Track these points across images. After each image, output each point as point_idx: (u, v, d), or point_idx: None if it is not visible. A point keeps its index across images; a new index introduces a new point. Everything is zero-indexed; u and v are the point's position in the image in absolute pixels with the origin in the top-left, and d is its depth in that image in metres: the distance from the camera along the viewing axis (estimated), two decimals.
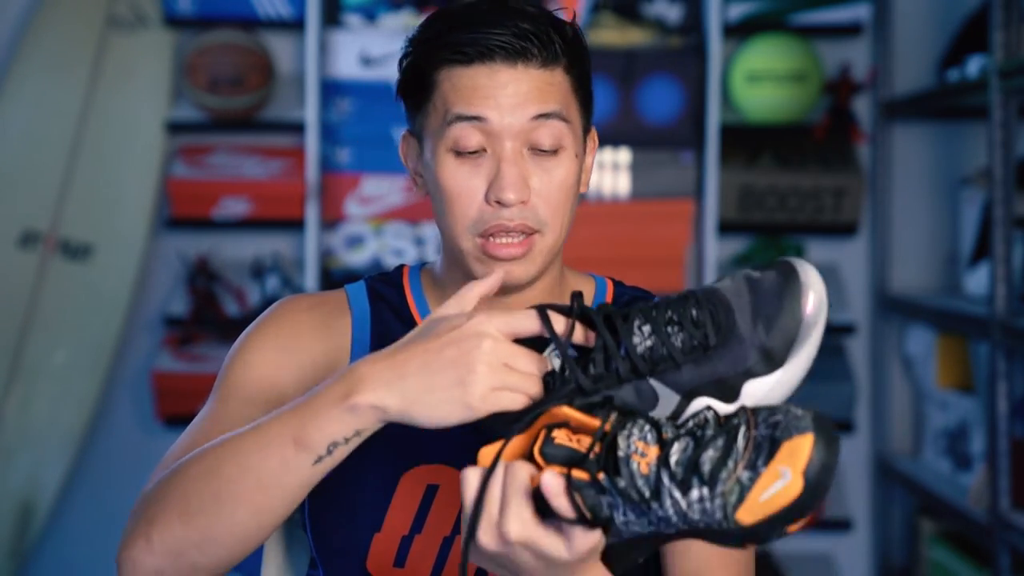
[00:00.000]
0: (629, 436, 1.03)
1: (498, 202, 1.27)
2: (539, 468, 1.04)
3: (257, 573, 1.46)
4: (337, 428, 1.10)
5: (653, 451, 1.02)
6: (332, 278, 3.35)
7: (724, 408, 1.09)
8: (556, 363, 1.10)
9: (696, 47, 3.35)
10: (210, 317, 3.38)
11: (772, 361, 1.08)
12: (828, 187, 3.41)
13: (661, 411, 1.09)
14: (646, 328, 1.09)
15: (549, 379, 1.10)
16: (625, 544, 1.06)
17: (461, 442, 1.26)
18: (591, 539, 1.03)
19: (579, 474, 1.02)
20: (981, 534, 2.83)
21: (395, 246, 3.37)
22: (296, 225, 3.37)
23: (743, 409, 1.04)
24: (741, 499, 0.99)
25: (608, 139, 3.34)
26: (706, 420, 1.04)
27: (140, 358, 3.53)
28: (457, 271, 1.37)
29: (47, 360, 3.36)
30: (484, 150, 1.28)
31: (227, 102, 3.36)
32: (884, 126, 3.50)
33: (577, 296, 1.11)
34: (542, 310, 1.11)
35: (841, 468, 3.55)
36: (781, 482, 0.99)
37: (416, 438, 1.28)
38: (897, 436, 3.56)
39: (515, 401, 1.07)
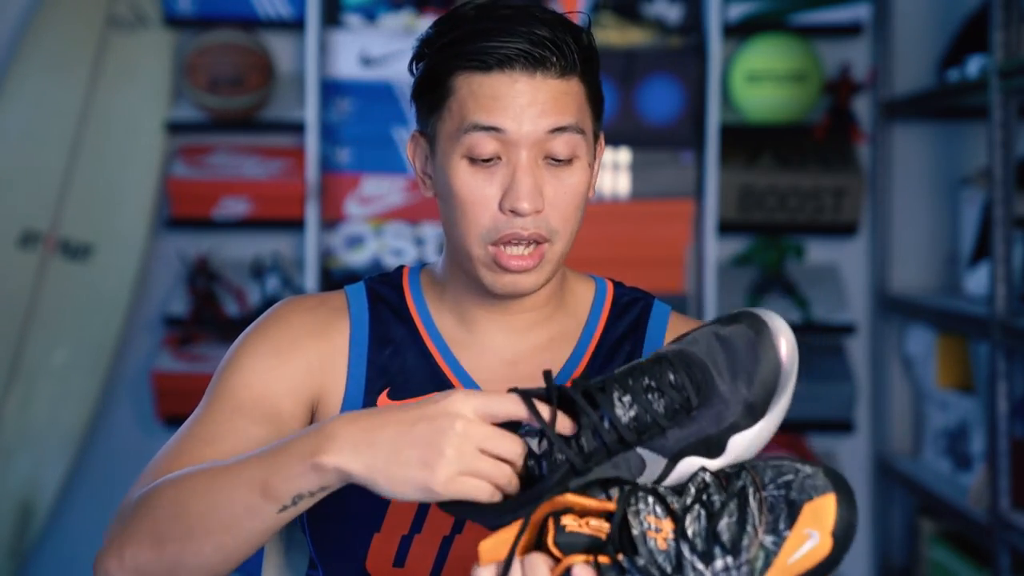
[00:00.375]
0: (639, 513, 1.02)
1: (512, 211, 1.27)
2: (552, 558, 1.02)
3: (257, 573, 1.46)
4: (303, 483, 1.10)
5: (667, 525, 1.02)
6: (332, 278, 3.35)
7: (711, 464, 1.09)
8: (532, 442, 1.09)
9: (696, 47, 3.35)
10: (210, 317, 3.38)
11: (755, 413, 1.09)
12: (828, 187, 3.41)
13: (648, 476, 1.09)
14: (626, 399, 1.08)
15: (530, 461, 1.08)
16: None
17: None
18: None
19: (600, 559, 1.01)
20: (981, 534, 2.83)
21: (395, 246, 3.37)
22: (296, 225, 3.37)
23: (744, 469, 1.05)
24: (768, 564, 1.01)
25: (608, 139, 3.31)
26: (706, 483, 1.04)
27: (140, 358, 3.53)
28: (460, 274, 1.36)
29: (47, 360, 3.36)
30: (499, 158, 1.28)
31: (227, 102, 3.36)
32: (884, 126, 3.50)
33: (548, 375, 1.10)
34: (526, 397, 1.08)
35: (841, 468, 3.55)
36: (810, 543, 1.01)
37: None
38: (897, 436, 3.56)
39: (479, 490, 1.06)
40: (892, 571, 3.52)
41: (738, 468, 1.05)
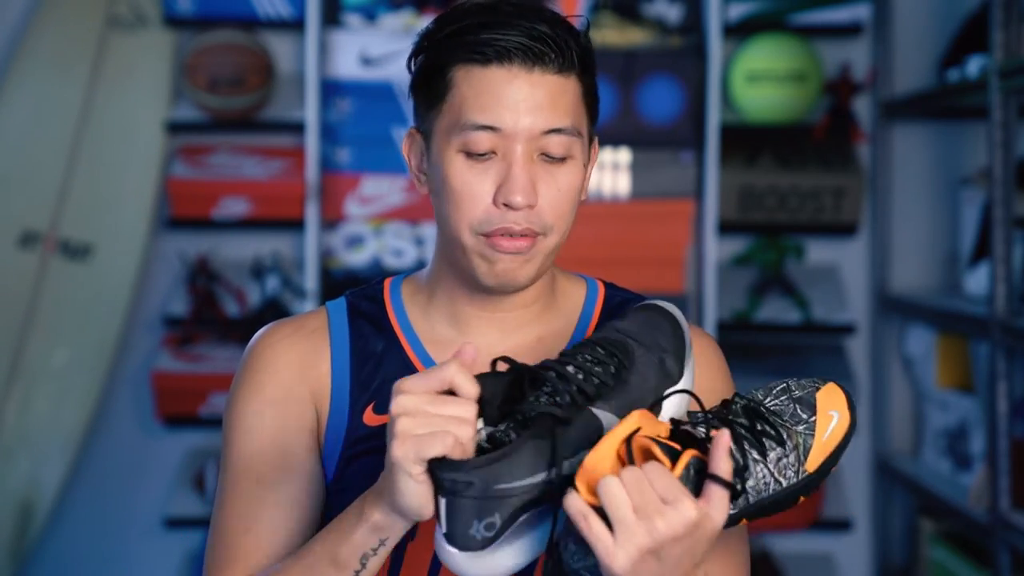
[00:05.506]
0: (695, 426, 1.14)
1: (506, 204, 1.27)
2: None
3: None
4: (362, 542, 1.19)
5: (721, 432, 1.11)
6: (332, 278, 3.35)
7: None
8: (483, 435, 1.16)
9: (696, 47, 3.35)
10: (210, 317, 3.38)
11: (677, 372, 1.23)
12: (828, 187, 3.41)
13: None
14: (570, 368, 1.17)
15: (500, 434, 1.15)
16: None
17: None
18: (727, 505, 1.10)
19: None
20: (981, 534, 2.83)
21: (395, 246, 3.37)
22: (296, 225, 3.36)
23: (728, 401, 1.19)
24: (808, 447, 1.16)
25: (608, 139, 3.34)
26: (705, 413, 1.17)
27: (140, 358, 3.53)
28: (451, 272, 1.37)
29: (47, 360, 3.36)
30: (494, 152, 1.28)
31: (227, 102, 3.36)
32: (884, 126, 3.50)
33: (503, 359, 1.19)
34: (496, 365, 1.19)
35: (841, 468, 3.55)
36: (834, 421, 1.18)
37: None
38: (897, 436, 3.56)
39: (440, 442, 1.10)
40: (892, 571, 3.52)
41: (719, 405, 1.19)
